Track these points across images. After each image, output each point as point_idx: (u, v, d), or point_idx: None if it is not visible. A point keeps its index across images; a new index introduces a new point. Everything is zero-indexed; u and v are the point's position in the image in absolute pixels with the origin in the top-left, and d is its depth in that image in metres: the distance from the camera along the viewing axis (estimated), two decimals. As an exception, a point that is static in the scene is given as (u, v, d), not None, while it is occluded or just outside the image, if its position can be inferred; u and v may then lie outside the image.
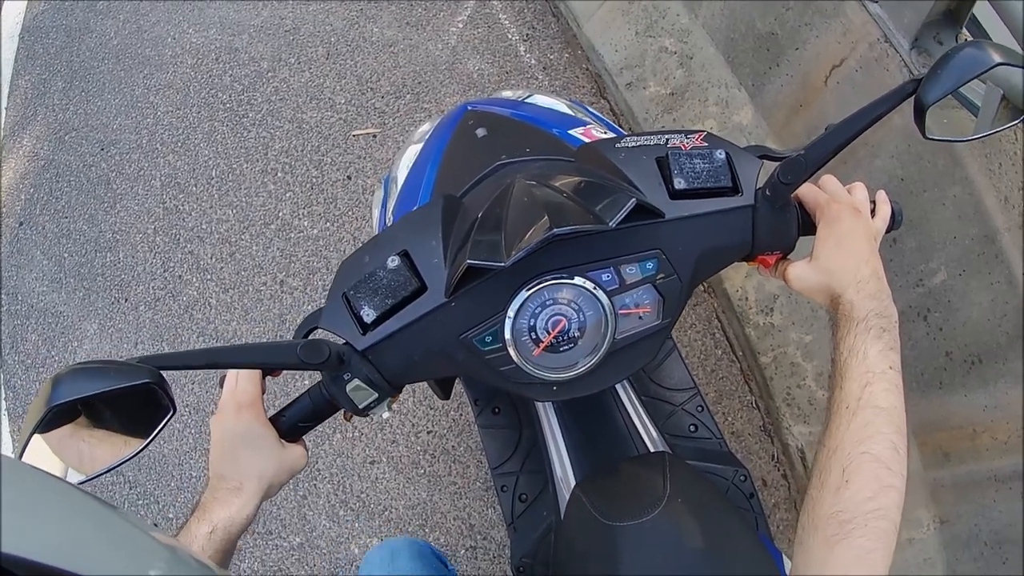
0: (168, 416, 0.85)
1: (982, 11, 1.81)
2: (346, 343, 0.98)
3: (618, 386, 1.50)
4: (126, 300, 3.02)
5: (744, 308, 2.49)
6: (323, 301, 1.03)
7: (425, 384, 2.42)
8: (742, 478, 1.45)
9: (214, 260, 3.01)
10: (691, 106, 2.72)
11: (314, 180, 3.10)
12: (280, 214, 3.05)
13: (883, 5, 1.99)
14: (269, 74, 3.43)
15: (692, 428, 1.54)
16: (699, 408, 1.56)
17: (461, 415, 2.55)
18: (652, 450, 1.45)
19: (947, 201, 1.87)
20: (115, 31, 3.79)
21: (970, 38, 1.88)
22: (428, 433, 2.54)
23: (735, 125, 2.58)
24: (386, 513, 2.48)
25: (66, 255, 3.18)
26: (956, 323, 1.91)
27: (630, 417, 1.48)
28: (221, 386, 1.02)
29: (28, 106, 3.66)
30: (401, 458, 2.53)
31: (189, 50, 3.61)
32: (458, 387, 1.90)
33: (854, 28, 2.08)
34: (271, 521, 2.53)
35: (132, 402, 0.83)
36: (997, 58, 0.90)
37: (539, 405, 1.52)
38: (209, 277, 2.98)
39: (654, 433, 1.47)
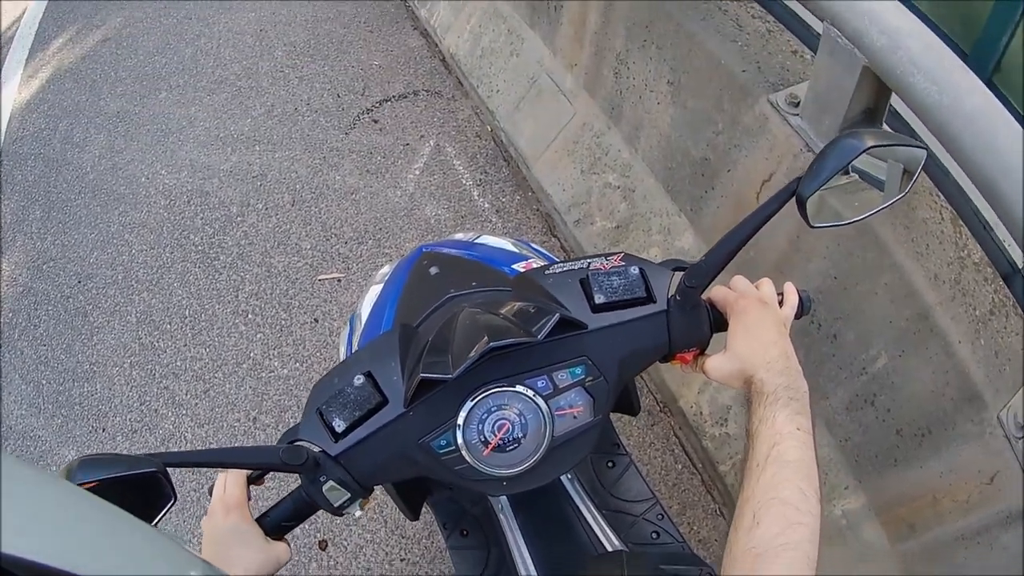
0: (170, 504, 0.94)
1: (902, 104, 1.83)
2: (321, 450, 1.07)
3: (577, 499, 1.59)
4: (104, 430, 3.06)
5: (699, 422, 2.57)
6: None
7: (397, 513, 2.52)
8: (708, 575, 1.52)
9: (189, 396, 3.09)
10: (636, 236, 2.85)
11: (283, 322, 3.22)
12: (251, 354, 3.15)
13: (803, 116, 2.11)
14: (238, 218, 3.57)
15: (654, 535, 1.60)
16: (659, 516, 1.62)
17: (432, 542, 2.62)
18: None
19: (879, 290, 1.95)
20: (91, 166, 3.94)
21: (887, 129, 2.00)
22: (401, 560, 2.61)
23: (678, 250, 2.70)
24: (364, 641, 2.54)
25: (44, 382, 3.23)
26: (902, 401, 1.96)
27: (592, 529, 1.55)
28: (211, 494, 1.11)
29: (8, 231, 3.75)
30: None
31: (162, 191, 3.76)
32: (428, 515, 2.00)
33: (779, 143, 2.19)
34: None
35: (134, 493, 0.91)
36: (868, 142, 1.00)
37: (504, 524, 1.59)
38: (184, 412, 3.05)
39: (616, 541, 1.54)
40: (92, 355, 3.29)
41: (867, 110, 1.94)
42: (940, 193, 1.94)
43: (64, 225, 3.74)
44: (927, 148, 1.09)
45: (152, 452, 0.97)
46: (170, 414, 3.08)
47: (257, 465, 1.10)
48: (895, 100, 1.87)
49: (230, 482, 1.11)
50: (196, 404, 3.08)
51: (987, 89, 1.55)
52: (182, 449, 2.96)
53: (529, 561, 1.55)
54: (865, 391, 2.07)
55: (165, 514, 0.96)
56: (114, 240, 3.64)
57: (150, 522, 0.93)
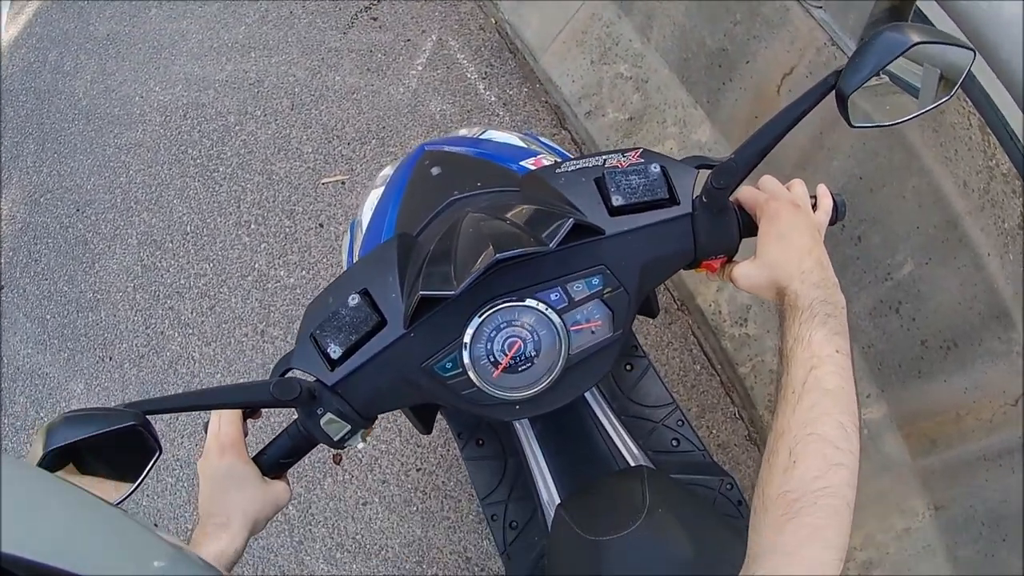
0: (155, 457, 0.89)
1: (928, 6, 1.79)
2: (317, 380, 1.02)
3: (596, 407, 1.53)
4: (110, 359, 3.04)
5: (718, 321, 2.53)
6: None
7: (409, 422, 2.46)
8: (728, 486, 1.48)
9: (194, 315, 3.04)
10: (650, 128, 2.77)
11: (287, 230, 3.15)
12: (256, 265, 3.09)
13: (827, 9, 2.03)
14: (236, 128, 3.48)
15: (674, 443, 1.57)
16: (679, 422, 1.59)
17: (448, 450, 2.58)
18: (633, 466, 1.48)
19: (907, 193, 1.91)
20: (83, 92, 3.84)
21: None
22: (417, 471, 2.58)
23: (694, 143, 2.62)
24: (383, 553, 2.51)
25: (49, 317, 3.21)
26: (928, 311, 1.93)
27: (610, 437, 1.51)
28: (206, 431, 1.07)
29: (3, 170, 3.70)
30: (393, 497, 2.56)
31: (157, 108, 3.66)
32: (442, 422, 1.93)
33: (801, 35, 2.12)
34: (270, 568, 2.55)
35: (120, 447, 0.87)
36: (915, 37, 0.92)
37: (520, 433, 1.55)
38: (191, 331, 3.01)
39: (636, 451, 1.50)
40: (95, 283, 3.26)
41: (893, 8, 1.85)
42: (967, 99, 1.83)
43: (59, 155, 3.67)
44: (974, 50, 1.00)
45: (131, 401, 0.91)
46: (176, 335, 3.04)
47: (246, 404, 1.04)
48: (922, 4, 1.81)
49: (224, 420, 1.06)
50: (202, 322, 3.04)
51: None
52: (191, 370, 2.96)
53: (547, 472, 1.51)
54: (890, 297, 2.03)
55: (152, 467, 0.89)
56: (111, 163, 3.56)
57: (138, 476, 0.89)
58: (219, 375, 2.90)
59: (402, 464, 2.60)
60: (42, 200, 3.53)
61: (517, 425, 1.57)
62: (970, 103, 1.82)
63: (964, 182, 1.78)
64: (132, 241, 3.29)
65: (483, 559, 2.45)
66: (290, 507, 2.57)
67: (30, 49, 4.17)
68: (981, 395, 1.81)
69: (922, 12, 1.92)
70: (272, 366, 2.78)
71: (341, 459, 2.62)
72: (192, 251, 3.20)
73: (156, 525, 2.71)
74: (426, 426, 1.42)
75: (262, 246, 3.14)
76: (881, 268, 2.03)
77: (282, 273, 3.05)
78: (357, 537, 2.55)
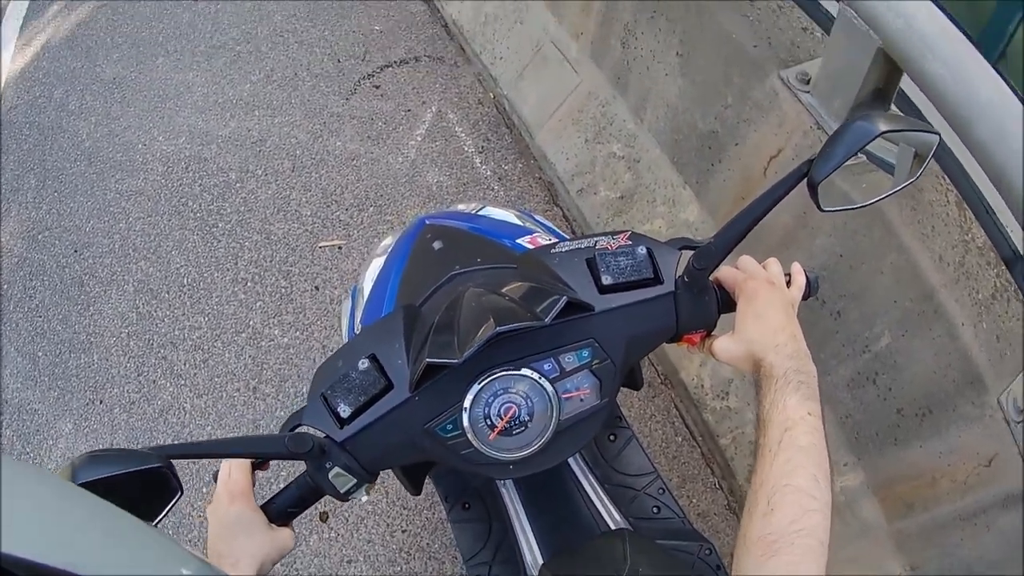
0: (176, 497, 0.93)
1: (911, 88, 1.89)
2: (326, 436, 1.08)
3: (579, 474, 1.59)
4: (101, 402, 3.05)
5: (701, 395, 2.59)
6: (295, 406, 1.15)
7: (398, 484, 2.51)
8: (707, 552, 1.52)
9: (187, 366, 3.08)
10: (640, 208, 2.85)
11: (283, 290, 3.21)
12: (251, 323, 3.14)
13: (815, 93, 2.12)
14: (237, 185, 3.55)
15: (655, 510, 1.61)
16: (660, 491, 1.63)
17: (433, 513, 2.63)
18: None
19: (885, 269, 1.97)
20: (87, 133, 3.90)
21: (899, 113, 2.02)
22: (403, 532, 2.62)
23: (682, 223, 2.70)
24: (364, 612, 2.54)
25: (40, 354, 3.21)
26: (904, 381, 1.99)
27: (593, 503, 1.56)
28: (215, 480, 1.11)
29: (3, 200, 3.72)
30: (378, 557, 2.60)
31: (159, 157, 3.72)
32: (429, 486, 2.01)
33: (789, 119, 2.20)
34: (252, 622, 2.58)
35: (139, 488, 0.90)
36: (882, 127, 1.00)
37: (506, 497, 1.60)
38: (183, 383, 3.04)
39: (617, 516, 1.55)
40: (89, 325, 3.27)
41: (878, 90, 1.96)
42: (946, 176, 1.94)
43: (60, 194, 3.71)
44: (939, 134, 1.08)
45: (156, 445, 0.98)
46: (168, 384, 3.07)
47: (263, 455, 1.10)
48: (904, 81, 1.89)
49: (234, 469, 1.10)
50: (195, 374, 3.07)
51: (1000, 79, 1.56)
52: (181, 421, 2.98)
53: (531, 536, 1.56)
54: (867, 369, 2.09)
55: (172, 507, 0.94)
56: (111, 208, 3.61)
57: (157, 515, 0.93)
58: (209, 428, 2.93)
59: (388, 525, 2.64)
60: (40, 237, 3.55)
61: (503, 490, 1.62)
62: (947, 180, 1.92)
63: (940, 256, 1.85)
64: (128, 288, 3.33)
65: None
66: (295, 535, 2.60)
67: (36, 83, 4.23)
68: (956, 458, 1.87)
69: (905, 93, 2.02)
70: (262, 423, 2.84)
71: (328, 517, 2.68)
72: (188, 303, 3.24)
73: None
74: (416, 487, 1.48)
75: (258, 304, 3.19)
76: (859, 341, 2.09)
77: (276, 332, 3.10)
78: (341, 595, 2.58)
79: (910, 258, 1.90)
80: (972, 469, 1.82)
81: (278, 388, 2.97)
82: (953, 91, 1.58)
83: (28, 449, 3.03)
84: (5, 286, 3.45)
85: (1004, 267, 1.80)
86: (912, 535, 2.02)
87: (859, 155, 1.03)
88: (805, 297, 1.19)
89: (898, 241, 1.92)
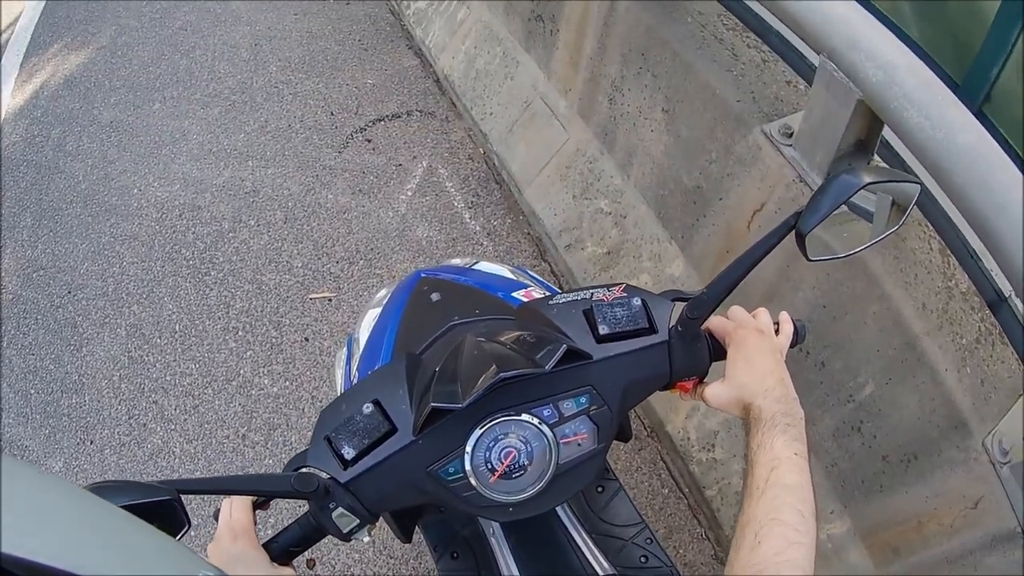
0: (185, 530, 0.95)
1: (893, 138, 1.89)
2: (330, 477, 1.09)
3: (568, 524, 1.59)
4: (91, 442, 3.05)
5: (687, 447, 2.60)
6: (283, 455, 1.17)
7: (387, 533, 2.54)
8: None
9: (178, 411, 3.08)
10: (626, 263, 2.88)
11: (273, 340, 3.23)
12: (241, 371, 3.16)
13: (797, 147, 2.14)
14: (230, 234, 3.58)
15: (643, 559, 1.61)
16: (648, 540, 1.63)
17: (420, 563, 2.64)
18: None
19: (868, 319, 1.98)
20: (83, 175, 3.94)
21: (882, 164, 2.07)
22: None
23: (668, 277, 2.74)
24: (349, 660, 2.53)
25: (32, 392, 3.21)
26: (888, 428, 2.00)
27: (582, 552, 1.56)
28: (215, 518, 1.11)
29: None
30: None
31: (154, 203, 3.76)
32: (418, 535, 2.03)
33: (771, 173, 2.22)
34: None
35: (148, 519, 0.89)
36: (866, 179, 1.05)
37: (495, 547, 1.59)
38: (173, 427, 3.05)
39: (606, 566, 1.54)
40: (81, 366, 3.28)
41: (859, 142, 1.98)
42: (929, 223, 1.98)
43: (55, 234, 3.73)
44: (921, 183, 1.13)
45: (165, 479, 0.98)
46: (159, 429, 3.07)
47: (269, 493, 1.11)
48: (886, 130, 1.91)
49: (236, 507, 1.11)
50: (185, 420, 3.08)
51: (980, 126, 1.59)
52: (171, 465, 2.97)
53: None
54: (852, 418, 2.10)
55: (179, 540, 0.95)
56: (105, 251, 3.63)
57: None
58: (199, 473, 2.93)
59: (374, 574, 2.64)
60: (34, 276, 3.57)
61: (492, 539, 1.61)
62: (931, 228, 1.94)
63: (923, 304, 1.87)
64: (121, 332, 3.34)
65: None
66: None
67: (34, 122, 4.28)
68: (941, 502, 1.87)
69: (887, 142, 2.07)
70: (251, 471, 2.83)
71: (315, 564, 2.69)
72: (179, 350, 3.26)
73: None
74: (406, 535, 1.49)
75: (248, 353, 3.21)
76: (843, 391, 2.11)
77: (266, 381, 3.12)
78: (328, 644, 2.57)
79: (893, 307, 1.91)
80: (959, 512, 1.83)
81: (267, 436, 2.98)
82: (933, 140, 1.61)
83: None
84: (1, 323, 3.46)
85: (988, 311, 1.83)
86: None
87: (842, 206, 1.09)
88: (793, 344, 1.23)
89: (881, 290, 1.94)
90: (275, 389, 3.11)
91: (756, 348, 1.14)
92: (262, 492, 1.12)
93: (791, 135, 2.18)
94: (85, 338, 3.36)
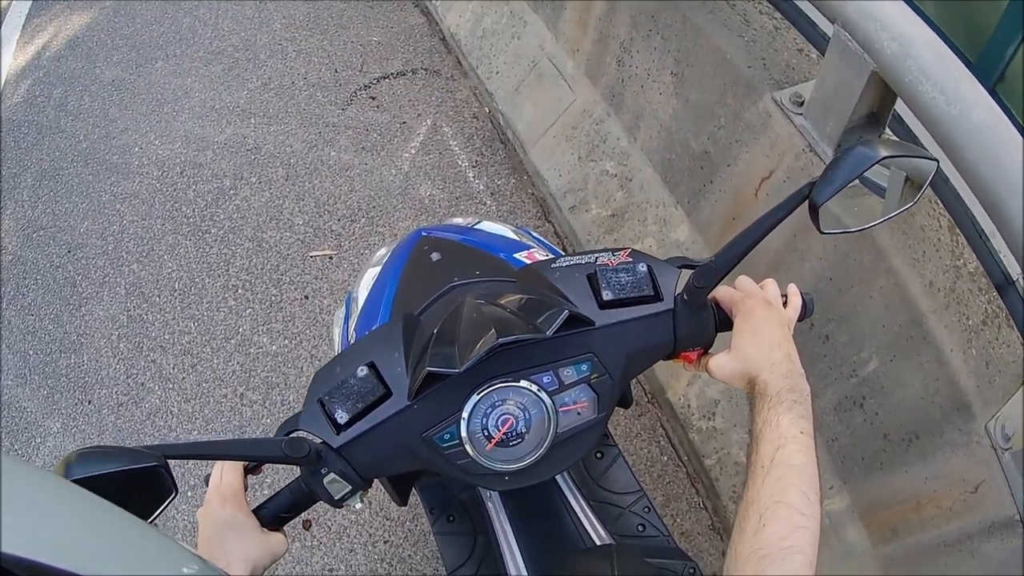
0: (171, 497, 0.92)
1: (906, 111, 1.86)
2: (323, 442, 1.07)
3: (566, 490, 1.58)
4: (90, 402, 3.05)
5: (687, 415, 2.58)
6: (281, 414, 1.14)
7: (382, 495, 2.52)
8: (691, 571, 1.50)
9: (176, 370, 3.08)
10: (631, 226, 2.85)
11: (273, 298, 3.21)
12: (240, 329, 3.15)
13: (807, 116, 2.11)
14: (231, 192, 3.56)
15: (640, 528, 1.60)
16: (646, 509, 1.62)
17: (416, 525, 2.63)
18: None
19: (874, 293, 1.96)
20: (84, 134, 3.91)
21: (893, 137, 2.03)
22: (385, 543, 2.61)
23: (673, 242, 2.70)
24: (345, 621, 2.54)
25: (31, 352, 3.21)
26: (891, 406, 1.98)
27: (579, 519, 1.55)
28: (206, 483, 1.10)
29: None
30: (359, 567, 2.58)
31: (155, 161, 3.73)
32: (414, 496, 2.01)
33: (781, 141, 2.19)
34: (231, 629, 2.58)
35: (135, 486, 0.88)
36: (882, 152, 1.01)
37: (491, 511, 1.59)
38: (171, 386, 3.04)
39: (603, 533, 1.54)
40: (80, 326, 3.27)
41: (872, 114, 1.96)
42: (939, 201, 1.94)
43: (55, 193, 3.71)
44: (937, 161, 1.09)
45: (152, 444, 0.95)
46: (157, 388, 3.07)
47: (259, 457, 1.09)
48: (898, 104, 1.89)
49: (226, 472, 1.10)
50: (183, 378, 3.07)
51: (995, 104, 1.56)
52: (168, 424, 2.97)
53: (516, 550, 1.54)
54: (855, 393, 2.08)
55: (167, 507, 0.94)
56: (105, 210, 3.61)
57: (151, 515, 0.92)
58: (196, 432, 2.93)
59: (370, 535, 2.64)
60: (34, 236, 3.56)
61: (489, 504, 1.61)
62: (941, 205, 1.92)
63: (930, 282, 1.84)
64: (120, 290, 3.33)
65: None
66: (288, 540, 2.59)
67: (36, 83, 4.25)
68: (941, 484, 1.86)
69: (900, 116, 2.04)
70: (248, 430, 2.82)
71: (311, 525, 2.68)
72: (179, 308, 3.24)
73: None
74: (402, 498, 1.46)
75: (247, 311, 3.20)
76: (847, 365, 2.09)
77: (265, 340, 3.10)
78: (322, 604, 2.58)
79: (900, 282, 1.89)
80: (958, 495, 1.81)
81: (265, 396, 2.97)
82: (947, 116, 1.58)
83: (16, 446, 3.02)
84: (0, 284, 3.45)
85: (996, 293, 1.80)
86: (897, 560, 2.01)
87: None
88: (801, 318, 1.20)
89: (888, 265, 1.91)
90: (274, 347, 3.09)
91: (763, 320, 1.11)
92: (252, 457, 1.09)
93: (802, 104, 2.16)
94: (84, 297, 3.35)
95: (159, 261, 3.41)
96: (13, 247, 3.55)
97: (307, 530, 2.68)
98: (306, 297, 3.21)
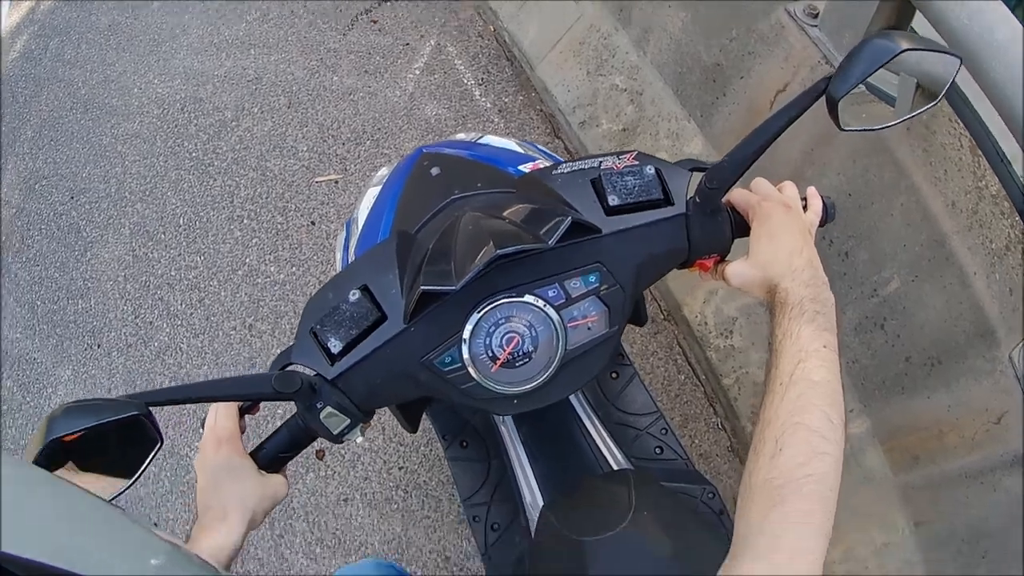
0: (156, 447, 0.89)
1: (922, 24, 1.80)
2: (317, 374, 1.02)
3: (581, 412, 1.54)
4: (99, 346, 3.04)
5: (704, 332, 2.54)
6: (290, 344, 1.10)
7: (395, 421, 2.46)
8: (710, 495, 1.48)
9: (184, 306, 3.05)
10: (643, 140, 2.80)
11: (279, 226, 3.16)
12: (247, 260, 3.10)
13: (823, 27, 2.06)
14: (233, 123, 3.49)
15: (657, 450, 1.58)
16: (663, 431, 1.60)
17: (431, 450, 2.59)
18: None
19: (895, 211, 1.92)
20: (82, 81, 3.85)
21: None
22: (400, 469, 2.58)
23: (686, 155, 2.60)
24: (362, 549, 2.51)
25: (39, 302, 3.20)
26: (913, 328, 1.94)
27: (595, 442, 1.51)
28: (203, 426, 1.06)
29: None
30: (374, 494, 2.56)
31: (155, 100, 3.67)
32: (426, 422, 1.94)
33: (795, 53, 2.15)
34: (249, 561, 2.54)
35: (119, 439, 0.87)
36: (903, 44, 0.93)
37: (505, 436, 1.56)
38: (179, 323, 3.01)
39: (620, 456, 1.50)
40: (86, 271, 3.25)
41: (888, 28, 1.89)
42: (959, 120, 1.85)
43: (56, 143, 3.66)
44: (960, 57, 1.01)
45: (134, 393, 0.91)
46: (165, 326, 3.04)
47: (247, 396, 1.05)
48: (916, 20, 1.83)
49: (221, 414, 1.05)
50: (191, 314, 3.04)
51: (1019, 23, 1.49)
52: (178, 361, 2.95)
53: (531, 475, 1.51)
54: (875, 314, 2.05)
55: (153, 458, 0.90)
56: (107, 153, 3.56)
57: (138, 467, 0.89)
58: (206, 367, 2.90)
59: (384, 462, 2.61)
60: (37, 187, 3.52)
61: (502, 428, 1.58)
62: (961, 124, 1.83)
63: (952, 202, 1.79)
64: (125, 231, 3.29)
65: (462, 559, 2.46)
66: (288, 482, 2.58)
67: (32, 36, 4.17)
68: (964, 412, 1.81)
69: (915, 32, 1.93)
70: (259, 361, 2.77)
71: (324, 455, 2.63)
72: (184, 243, 3.20)
73: (139, 515, 2.71)
74: (413, 425, 1.42)
75: (253, 241, 3.15)
76: (867, 284, 2.04)
77: (272, 269, 3.06)
78: (337, 533, 2.55)
79: (921, 200, 1.84)
80: (981, 426, 1.77)
81: (274, 325, 2.93)
82: (970, 33, 1.51)
83: (28, 398, 3.02)
84: (3, 238, 3.43)
85: (1019, 218, 1.72)
86: (918, 488, 1.98)
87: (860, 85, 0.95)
88: (822, 223, 1.12)
89: (909, 182, 1.86)
90: (281, 276, 3.05)
91: (782, 224, 1.04)
92: (238, 396, 1.05)
93: (816, 16, 2.12)
94: (89, 242, 3.32)
95: (163, 199, 3.35)
96: (16, 200, 3.52)
97: (320, 460, 2.64)
98: (312, 223, 3.15)
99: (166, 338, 3.01)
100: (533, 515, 1.47)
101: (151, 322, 3.05)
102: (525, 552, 1.49)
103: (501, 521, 1.59)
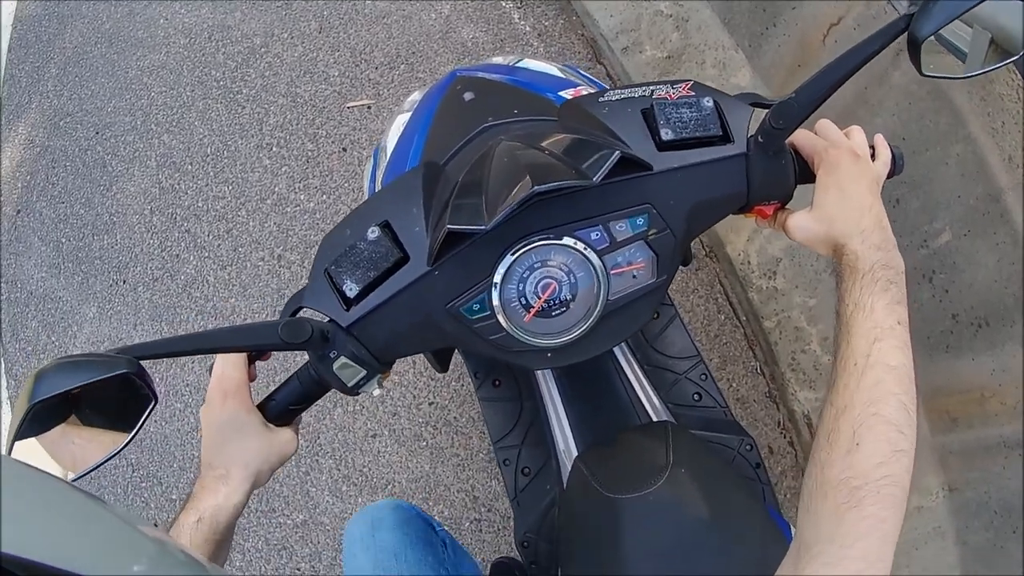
0: (150, 406, 0.83)
1: None
2: (330, 320, 0.95)
3: (619, 355, 1.47)
4: (124, 282, 3.00)
5: (747, 272, 2.45)
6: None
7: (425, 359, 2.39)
8: (748, 447, 1.43)
9: (211, 237, 2.98)
10: (688, 68, 2.70)
11: (309, 153, 3.07)
12: (276, 189, 3.02)
13: None
14: (262, 50, 3.39)
15: (696, 397, 1.51)
16: (703, 376, 1.53)
17: (463, 385, 2.52)
18: (655, 420, 1.42)
19: (950, 160, 1.82)
20: (107, 15, 3.75)
21: None
22: (430, 404, 2.52)
23: (733, 87, 2.53)
24: (389, 487, 2.46)
25: (64, 240, 3.16)
26: (962, 285, 1.85)
27: (632, 387, 1.45)
28: (211, 374, 1.01)
29: (23, 94, 3.62)
30: (403, 431, 2.50)
31: (181, 30, 3.56)
32: (458, 358, 1.86)
33: None
34: (274, 499, 2.51)
35: (117, 396, 0.82)
36: None
37: (539, 377, 1.49)
38: (206, 255, 2.96)
39: (657, 402, 1.44)
40: (112, 206, 3.19)
41: None
42: (1017, 72, 1.73)
43: (80, 79, 3.58)
44: None
45: (126, 346, 0.84)
46: (192, 258, 2.99)
47: (250, 348, 0.96)
48: None
49: (228, 364, 1.00)
50: (219, 245, 2.98)
51: None
52: (205, 294, 2.91)
53: (565, 420, 1.45)
54: (924, 266, 1.95)
55: (148, 417, 0.84)
56: (132, 85, 3.47)
57: (133, 427, 0.85)
58: (233, 299, 2.85)
59: (414, 397, 2.54)
60: (61, 124, 3.45)
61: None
62: (1019, 76, 1.73)
63: (1009, 156, 1.68)
64: (151, 163, 3.22)
65: (490, 499, 2.40)
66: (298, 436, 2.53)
67: (53, -26, 4.10)
68: (1008, 379, 1.73)
69: None
70: (287, 292, 2.67)
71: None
72: (211, 173, 3.13)
73: (163, 454, 2.65)
74: (443, 365, 1.37)
75: (283, 169, 3.06)
76: (917, 234, 1.95)
77: (302, 197, 2.98)
78: (364, 470, 2.50)
79: (977, 152, 1.74)
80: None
81: (303, 255, 2.86)
82: None
83: (53, 338, 3.00)
84: (28, 176, 3.38)
85: None
86: (954, 452, 1.92)
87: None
88: (890, 175, 1.04)
89: (966, 132, 1.75)
90: (311, 204, 2.96)
91: (851, 175, 0.95)
92: (243, 347, 0.95)
93: None
94: (115, 176, 3.25)
95: (190, 128, 3.26)
96: (41, 139, 3.45)
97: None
98: (344, 150, 3.05)
99: (192, 271, 2.95)
100: (564, 462, 1.40)
101: (177, 255, 3.00)
102: (555, 500, 1.43)
103: (532, 466, 1.52)
